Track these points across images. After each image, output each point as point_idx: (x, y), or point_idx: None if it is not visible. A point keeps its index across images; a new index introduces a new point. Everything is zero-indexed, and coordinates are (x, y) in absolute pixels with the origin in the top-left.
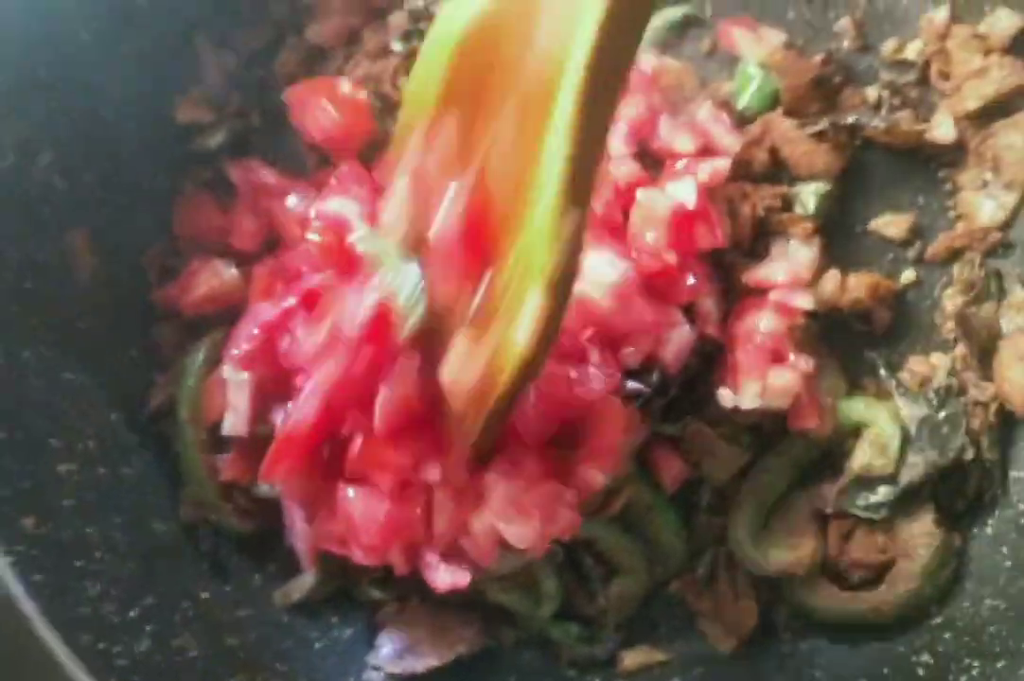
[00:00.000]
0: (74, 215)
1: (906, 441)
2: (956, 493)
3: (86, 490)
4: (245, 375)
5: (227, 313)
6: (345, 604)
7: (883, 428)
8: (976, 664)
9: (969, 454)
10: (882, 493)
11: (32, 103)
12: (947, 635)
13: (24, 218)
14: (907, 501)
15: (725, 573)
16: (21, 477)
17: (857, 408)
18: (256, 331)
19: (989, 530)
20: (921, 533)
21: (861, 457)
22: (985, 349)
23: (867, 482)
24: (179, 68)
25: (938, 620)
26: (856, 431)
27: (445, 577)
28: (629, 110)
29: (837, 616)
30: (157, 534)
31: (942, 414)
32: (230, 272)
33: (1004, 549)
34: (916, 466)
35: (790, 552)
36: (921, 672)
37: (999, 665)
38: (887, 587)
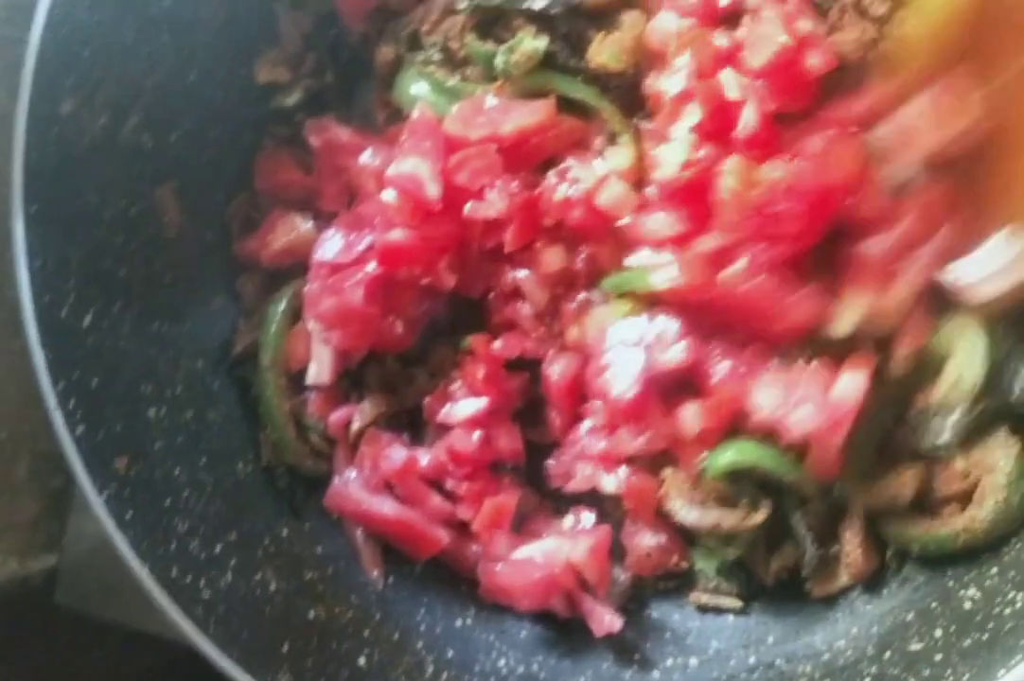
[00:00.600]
0: (162, 171)
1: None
2: None
3: (174, 433)
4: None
5: (306, 264)
6: None
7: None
8: (1020, 597)
9: None
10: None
11: (122, 67)
12: (994, 570)
13: (116, 175)
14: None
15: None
16: (113, 421)
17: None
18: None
19: None
20: (997, 446)
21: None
22: None
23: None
24: (257, 30)
25: (985, 555)
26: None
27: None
28: None
29: (931, 545)
30: (240, 475)
31: None
32: (307, 226)
33: None
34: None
35: (890, 487)
36: (968, 606)
37: None
38: (975, 506)
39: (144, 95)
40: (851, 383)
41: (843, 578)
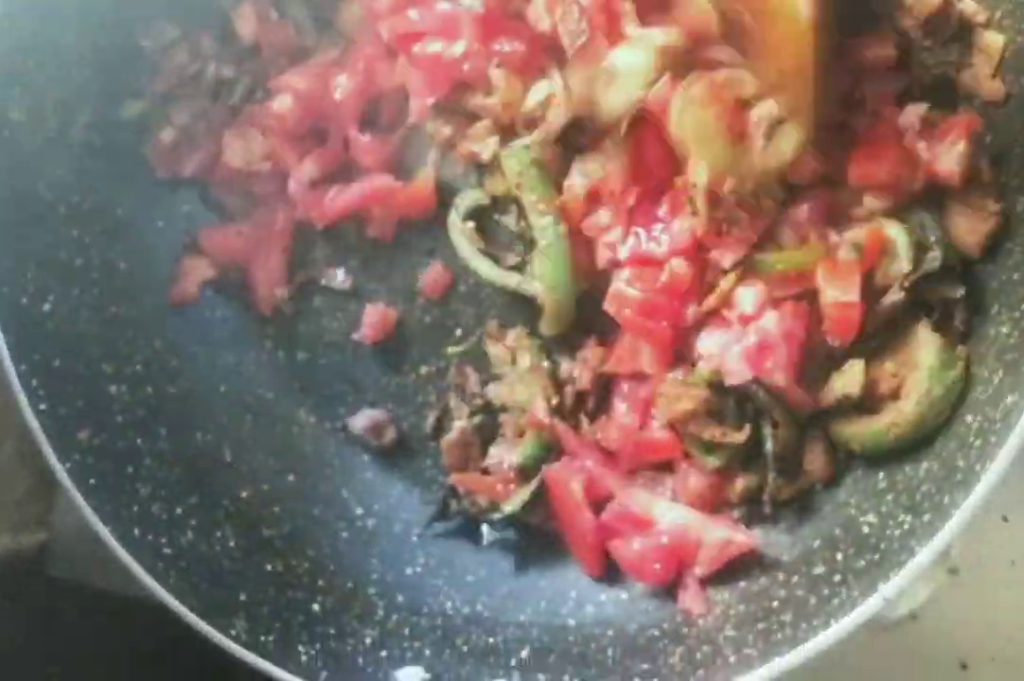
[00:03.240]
0: (112, 166)
1: None
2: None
3: (135, 407)
4: None
5: None
6: (366, 496)
7: None
8: (908, 519)
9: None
10: None
11: (67, 72)
12: (889, 496)
13: (68, 172)
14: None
15: None
16: (75, 397)
17: None
18: None
19: None
20: (920, 343)
21: None
22: None
23: None
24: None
25: (883, 485)
26: None
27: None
28: None
29: (867, 441)
30: (199, 443)
31: None
32: None
33: None
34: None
35: (840, 383)
36: (866, 530)
37: (925, 518)
38: (903, 400)
39: (90, 96)
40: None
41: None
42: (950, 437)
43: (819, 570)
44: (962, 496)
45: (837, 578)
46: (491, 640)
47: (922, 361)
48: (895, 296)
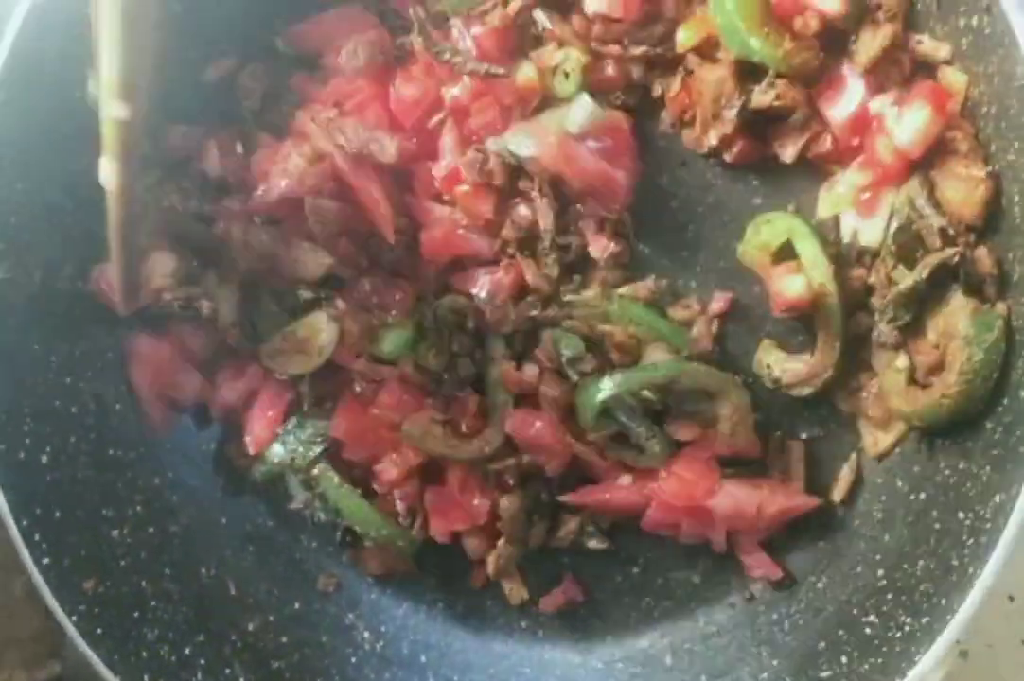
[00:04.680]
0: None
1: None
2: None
3: (138, 549)
4: None
5: None
6: (373, 619)
7: None
8: (908, 621)
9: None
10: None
11: (48, 228)
12: (889, 595)
13: (56, 322)
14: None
15: None
16: (77, 548)
17: None
18: None
19: None
20: (954, 311)
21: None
22: None
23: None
24: None
25: (883, 583)
26: None
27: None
28: None
29: (925, 416)
30: (204, 579)
31: None
32: None
33: None
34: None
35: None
36: (868, 631)
37: (924, 621)
38: (947, 372)
39: (73, 246)
40: None
41: None
42: (944, 534)
43: (825, 674)
44: (959, 599)
45: None
46: None
47: (959, 329)
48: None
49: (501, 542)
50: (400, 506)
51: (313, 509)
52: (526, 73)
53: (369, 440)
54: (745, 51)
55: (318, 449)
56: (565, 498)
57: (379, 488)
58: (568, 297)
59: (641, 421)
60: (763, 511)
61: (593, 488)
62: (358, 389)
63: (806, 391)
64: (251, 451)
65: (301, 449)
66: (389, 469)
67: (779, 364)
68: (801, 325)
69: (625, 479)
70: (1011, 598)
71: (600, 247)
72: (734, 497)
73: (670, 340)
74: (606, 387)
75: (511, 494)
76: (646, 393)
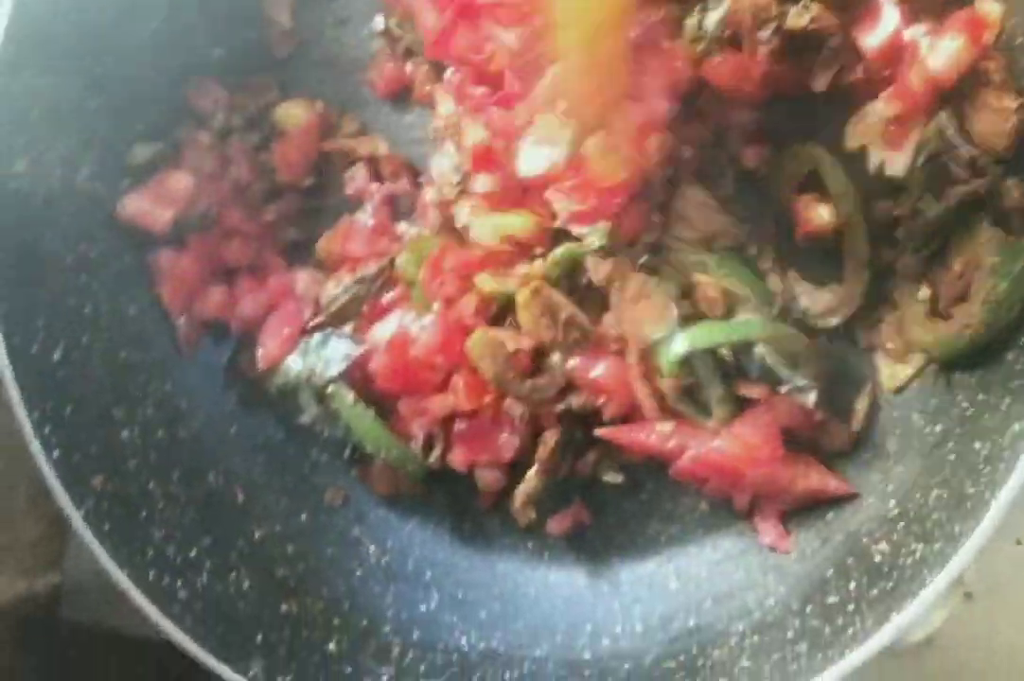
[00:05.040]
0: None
1: None
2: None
3: (147, 451)
4: None
5: None
6: (379, 533)
7: None
8: (920, 548)
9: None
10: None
11: (69, 123)
12: (900, 525)
13: (73, 222)
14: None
15: None
16: (87, 444)
17: None
18: None
19: None
20: (980, 241)
21: None
22: None
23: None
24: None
25: (895, 513)
26: None
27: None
28: None
29: (944, 346)
30: (212, 485)
31: None
32: None
33: None
34: None
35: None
36: (878, 558)
37: (937, 547)
38: (971, 301)
39: (93, 147)
40: None
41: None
42: (959, 464)
43: (833, 599)
44: (973, 524)
45: (851, 608)
46: (507, 675)
47: (984, 259)
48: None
49: (531, 474)
50: (418, 432)
51: (323, 424)
52: None
53: (409, 379)
54: None
55: (337, 369)
56: (603, 433)
57: (404, 412)
58: (669, 241)
59: (717, 381)
60: (793, 485)
61: (633, 428)
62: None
63: (833, 321)
64: (260, 366)
65: (320, 366)
66: (435, 407)
67: (807, 295)
68: (824, 258)
69: (667, 426)
70: (1019, 542)
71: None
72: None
73: (760, 299)
74: (692, 338)
75: (554, 429)
76: (724, 351)
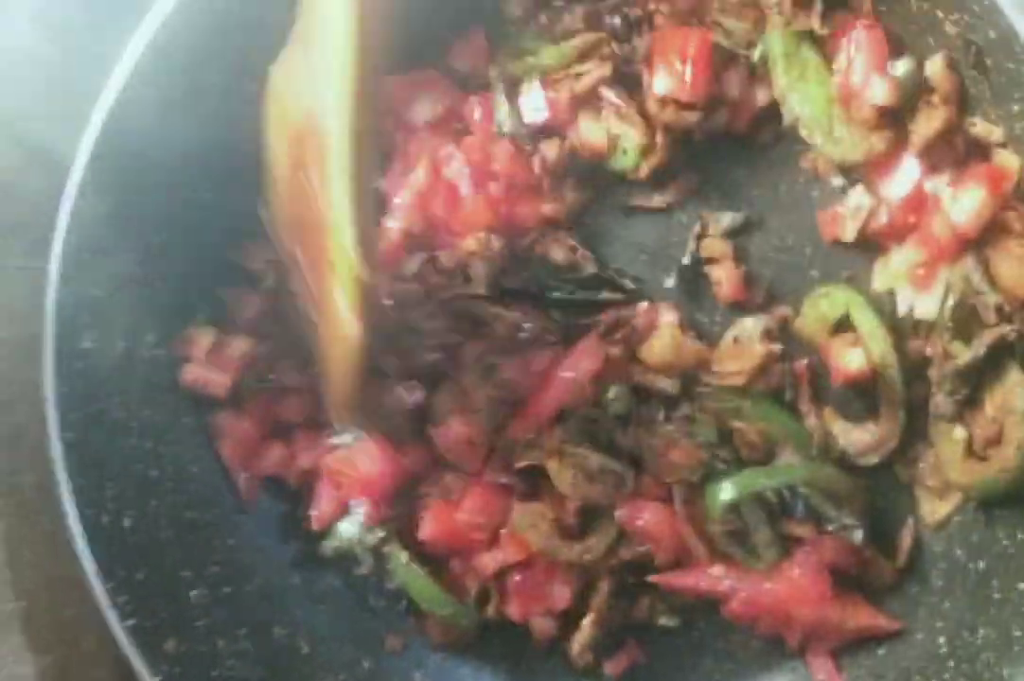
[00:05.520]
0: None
1: None
2: None
3: (215, 609)
4: None
5: None
6: (439, 674)
7: None
8: None
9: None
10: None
11: (132, 295)
12: (950, 663)
13: (139, 388)
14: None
15: None
16: (159, 609)
17: None
18: None
19: None
20: (1013, 385)
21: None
22: None
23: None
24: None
25: (944, 650)
26: None
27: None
28: None
29: (983, 489)
30: (277, 638)
31: None
32: None
33: None
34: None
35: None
36: None
37: None
38: (1004, 446)
39: (155, 316)
40: None
41: None
42: (1004, 603)
43: None
44: (1021, 670)
45: None
46: None
47: (1016, 405)
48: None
49: (586, 624)
50: (472, 586)
51: (380, 577)
52: (592, 132)
53: (457, 541)
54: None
55: (384, 533)
56: (656, 579)
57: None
58: (700, 389)
59: (765, 524)
60: (843, 623)
61: (684, 574)
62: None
63: (872, 460)
64: (314, 526)
65: (373, 529)
66: (486, 564)
67: (844, 434)
68: (859, 393)
69: (718, 570)
70: None
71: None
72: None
73: (798, 441)
74: (738, 484)
75: (606, 578)
76: (768, 493)
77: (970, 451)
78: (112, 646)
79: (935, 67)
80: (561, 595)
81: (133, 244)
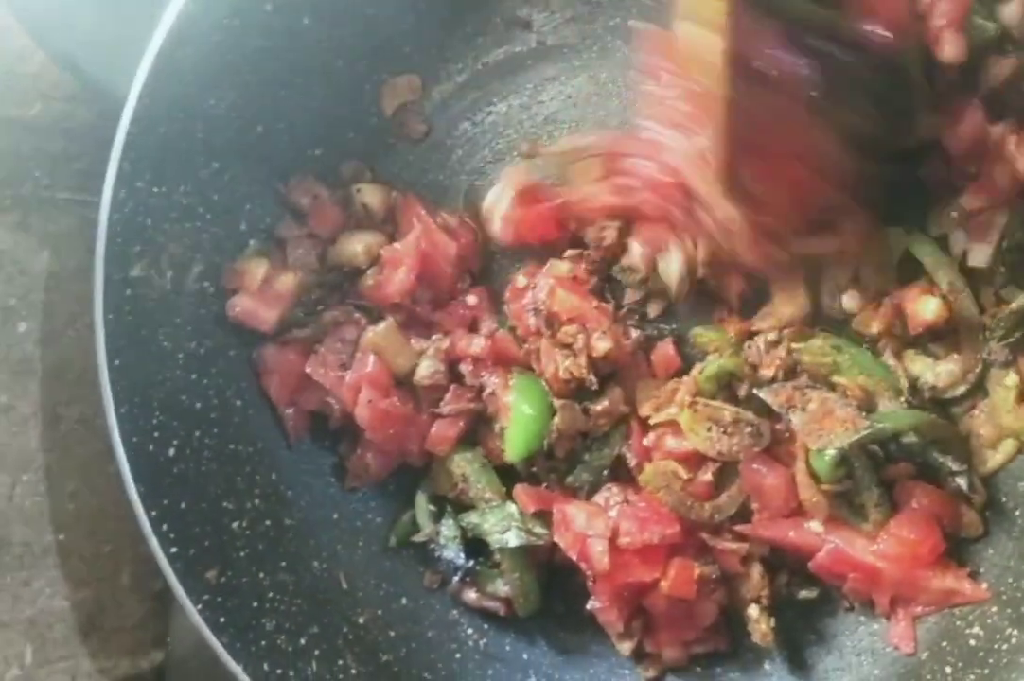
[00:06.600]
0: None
1: None
2: None
3: (256, 541)
4: None
5: None
6: (477, 616)
7: None
8: (1016, 633)
9: None
10: None
11: (180, 229)
12: (994, 609)
13: (184, 320)
14: None
15: None
16: (201, 538)
17: None
18: None
19: None
20: None
21: None
22: None
23: None
24: None
25: (988, 595)
26: None
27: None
28: None
29: None
30: (316, 572)
31: None
32: None
33: None
34: None
35: None
36: (972, 642)
37: None
38: None
39: (203, 248)
40: None
41: None
42: None
43: None
44: None
45: None
46: None
47: None
48: None
49: (754, 612)
50: (618, 625)
51: (439, 545)
52: None
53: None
54: None
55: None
56: (744, 529)
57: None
58: (795, 346)
59: (874, 483)
60: (929, 586)
61: (779, 524)
62: None
63: (960, 390)
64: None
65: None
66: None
67: (929, 370)
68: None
69: (815, 525)
70: None
71: None
72: None
73: (895, 389)
74: (844, 437)
75: (751, 565)
76: (874, 447)
77: (1023, 396)
78: (149, 582)
79: (1011, 11)
80: (709, 611)
81: (184, 175)
